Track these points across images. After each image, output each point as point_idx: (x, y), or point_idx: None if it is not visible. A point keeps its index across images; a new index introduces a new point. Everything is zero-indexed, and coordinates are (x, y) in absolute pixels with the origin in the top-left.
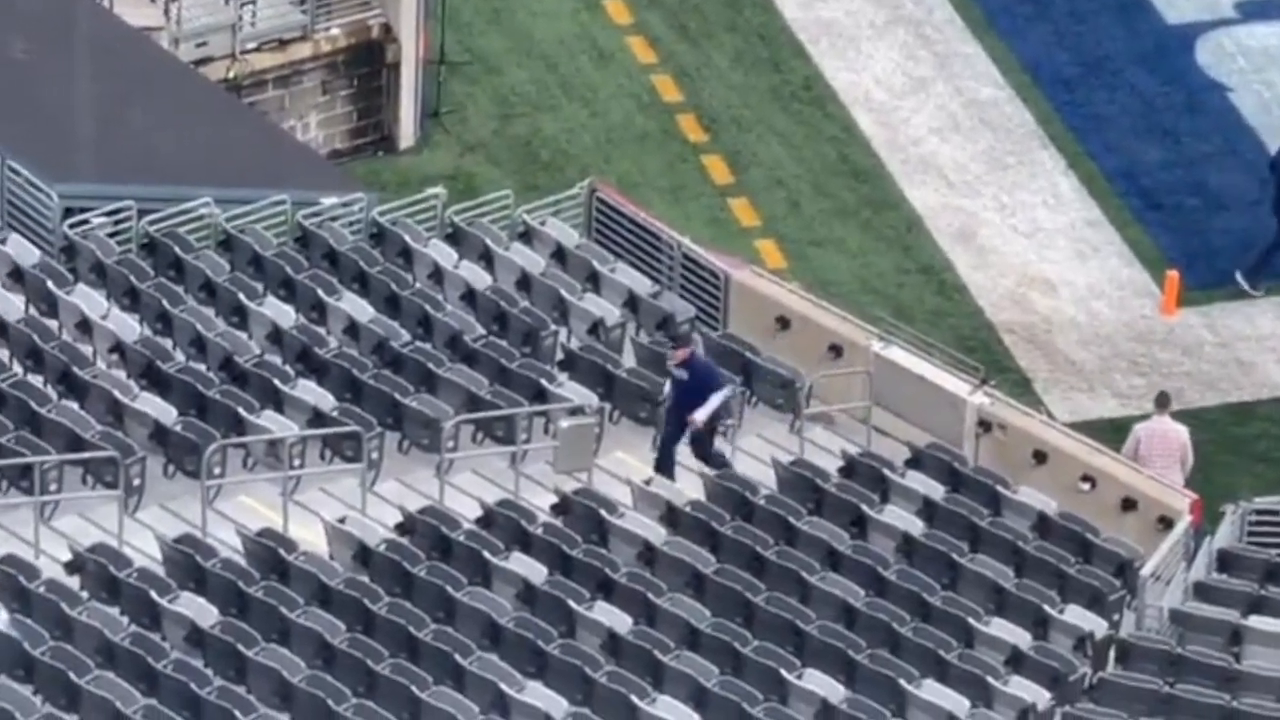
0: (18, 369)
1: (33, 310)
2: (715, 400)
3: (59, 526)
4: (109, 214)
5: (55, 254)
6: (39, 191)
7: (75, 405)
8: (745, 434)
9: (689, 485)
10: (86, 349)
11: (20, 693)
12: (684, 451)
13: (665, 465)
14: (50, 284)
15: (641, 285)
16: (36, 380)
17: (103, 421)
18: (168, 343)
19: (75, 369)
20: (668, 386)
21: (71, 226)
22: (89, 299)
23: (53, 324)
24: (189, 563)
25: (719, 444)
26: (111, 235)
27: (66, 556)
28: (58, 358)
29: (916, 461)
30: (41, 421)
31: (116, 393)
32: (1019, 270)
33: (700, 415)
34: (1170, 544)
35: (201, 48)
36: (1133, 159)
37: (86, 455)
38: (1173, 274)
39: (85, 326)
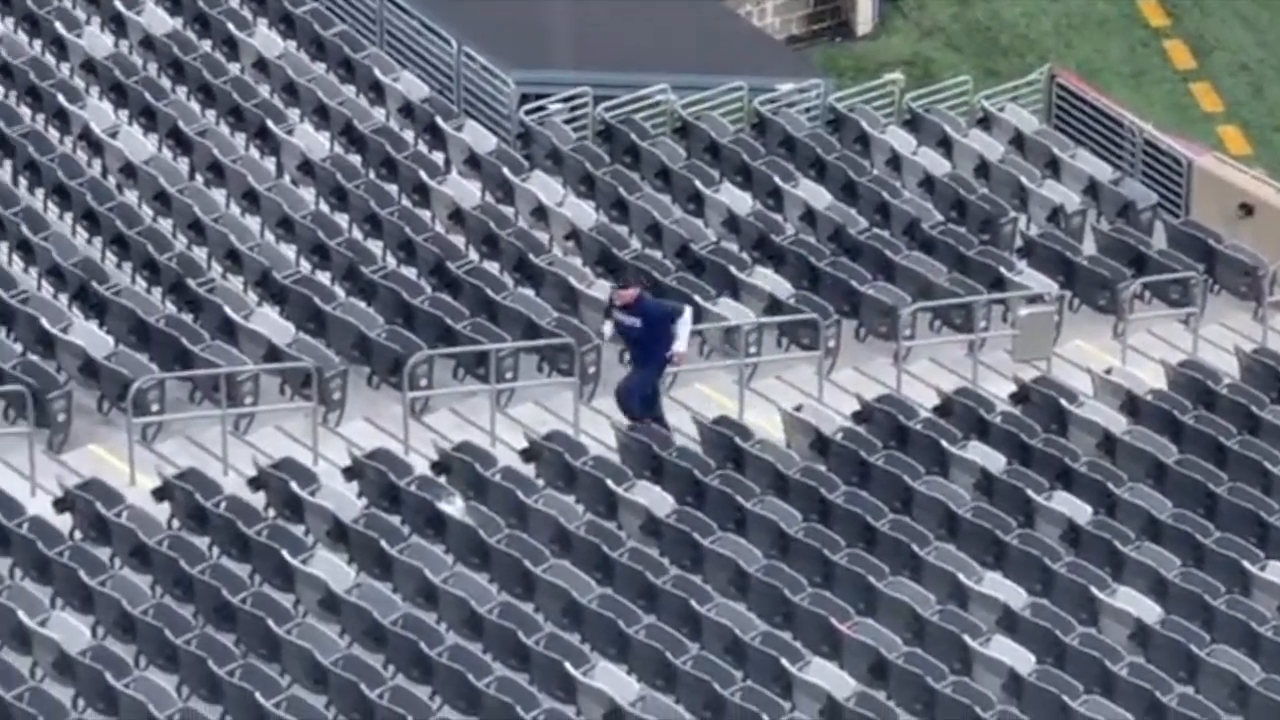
0: (474, 255)
1: (489, 197)
2: (685, 327)
3: (515, 414)
4: (565, 101)
5: (511, 141)
6: (496, 79)
7: (531, 292)
8: (1208, 322)
9: (1150, 374)
10: (542, 235)
11: (476, 580)
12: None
13: (633, 413)
14: (506, 171)
15: (1102, 172)
16: (492, 267)
17: (558, 308)
18: (623, 229)
19: (531, 255)
20: (608, 329)
21: (528, 113)
22: (545, 186)
23: (509, 210)
24: (645, 451)
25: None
26: (568, 122)
27: (522, 444)
28: (514, 244)
29: None
30: (498, 308)
31: (571, 279)
32: None
33: (680, 346)
34: None
35: None
36: None
37: (542, 342)
38: None
39: (541, 213)
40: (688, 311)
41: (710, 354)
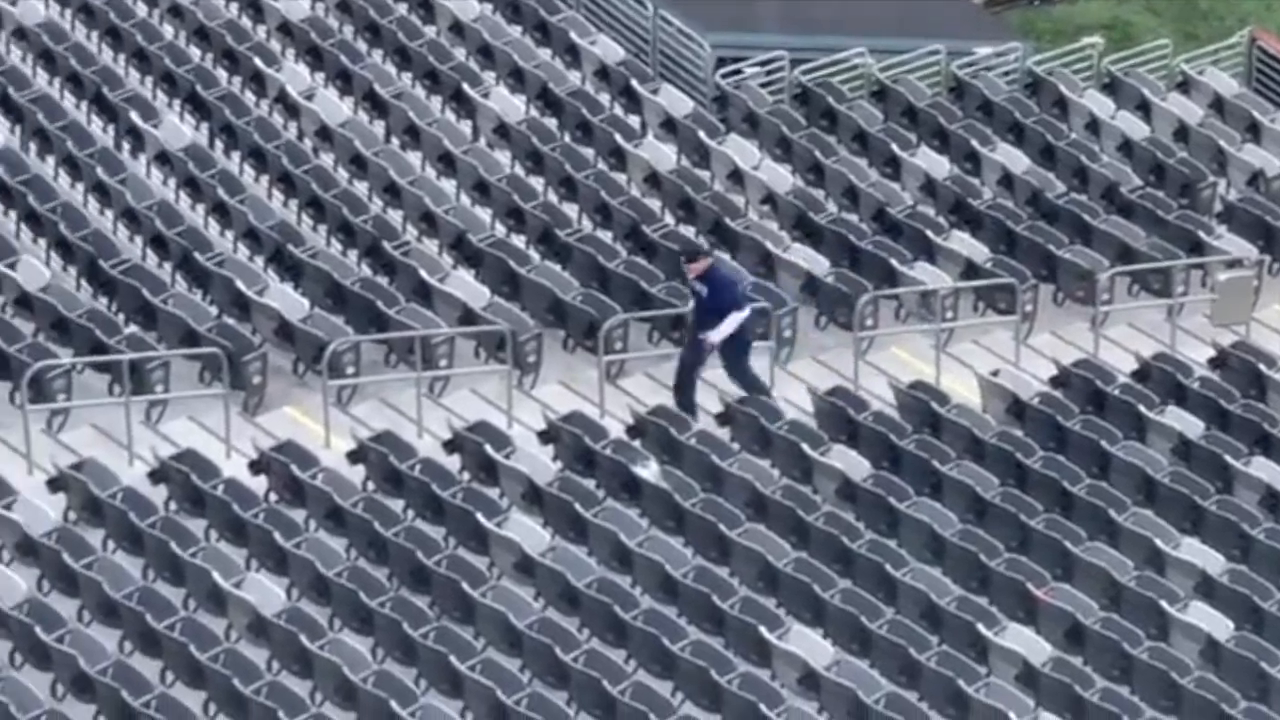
0: (669, 219)
1: (684, 161)
2: (730, 322)
3: (710, 378)
4: (761, 64)
5: (707, 104)
6: (691, 42)
7: (727, 255)
8: None
9: None
10: (738, 199)
11: (671, 544)
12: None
13: (683, 394)
14: (702, 134)
15: None
16: (688, 230)
17: (754, 273)
18: (819, 193)
19: (727, 219)
20: (691, 304)
21: (724, 77)
22: (741, 149)
23: (704, 174)
24: (841, 415)
25: (756, 368)
26: (764, 85)
27: (718, 408)
28: (709, 208)
29: None
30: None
31: (768, 244)
32: None
33: (714, 336)
34: None
35: None
36: None
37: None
38: None
39: (737, 177)
40: (745, 310)
41: (907, 318)
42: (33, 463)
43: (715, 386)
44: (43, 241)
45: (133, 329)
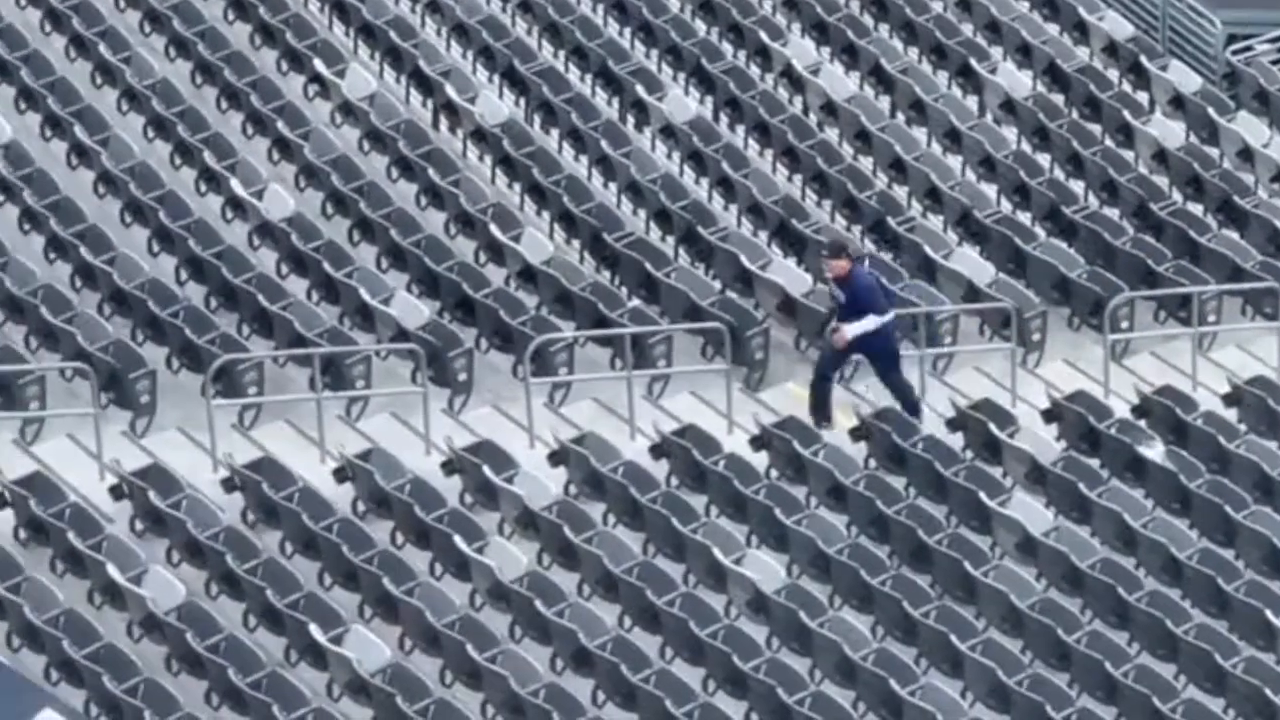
0: (1177, 197)
1: (1193, 138)
2: (868, 322)
3: (1217, 358)
4: (1273, 40)
5: (1217, 81)
6: (1202, 18)
7: (1235, 235)
8: None
9: None
10: (1247, 177)
11: (1176, 525)
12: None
13: (818, 401)
14: (1211, 111)
15: None
16: (1196, 209)
17: (1264, 252)
18: None
19: (1236, 198)
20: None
21: (1234, 53)
22: (1251, 127)
23: (1213, 152)
24: None
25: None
26: (1275, 63)
27: (1225, 389)
28: (1219, 186)
29: None
30: (1201, 251)
31: (1276, 222)
32: None
33: (848, 330)
34: None
35: None
36: None
37: (1245, 286)
38: None
39: (1247, 155)
40: (889, 316)
41: None
42: (534, 436)
43: (1222, 367)
44: (546, 214)
45: (635, 303)
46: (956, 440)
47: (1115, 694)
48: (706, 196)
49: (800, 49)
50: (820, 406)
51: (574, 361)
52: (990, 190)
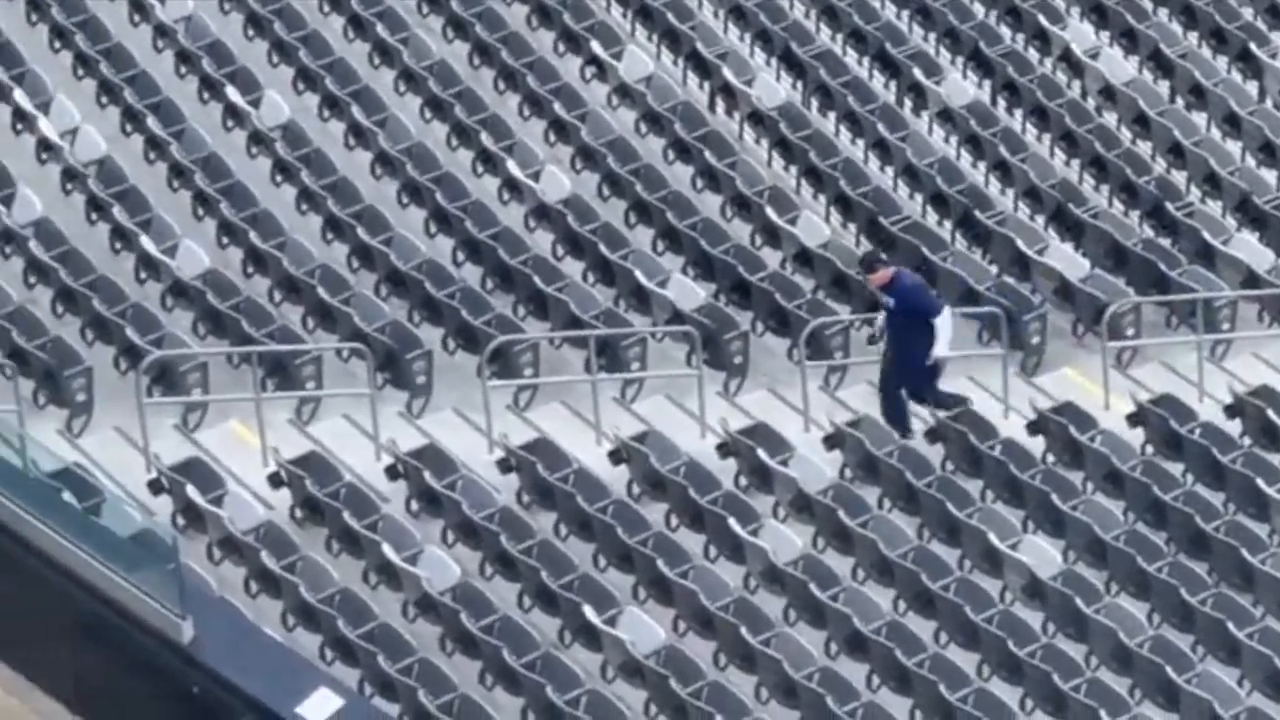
0: None
1: None
2: (946, 328)
3: None
4: None
5: None
6: None
7: None
8: None
9: None
10: None
11: None
12: None
13: (895, 415)
14: None
15: None
16: None
17: None
18: None
19: None
20: (880, 320)
21: None
22: None
23: None
24: None
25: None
26: None
27: None
28: None
29: None
30: None
31: None
32: None
33: (942, 350)
34: None
35: None
36: None
37: None
38: None
39: None
40: (946, 312)
41: None
42: (809, 419)
43: None
44: (822, 198)
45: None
46: (1234, 427)
47: None
48: (983, 180)
49: (1079, 32)
50: (899, 419)
51: (849, 345)
52: (1270, 176)
